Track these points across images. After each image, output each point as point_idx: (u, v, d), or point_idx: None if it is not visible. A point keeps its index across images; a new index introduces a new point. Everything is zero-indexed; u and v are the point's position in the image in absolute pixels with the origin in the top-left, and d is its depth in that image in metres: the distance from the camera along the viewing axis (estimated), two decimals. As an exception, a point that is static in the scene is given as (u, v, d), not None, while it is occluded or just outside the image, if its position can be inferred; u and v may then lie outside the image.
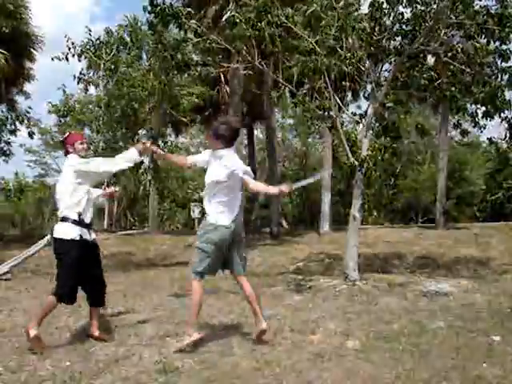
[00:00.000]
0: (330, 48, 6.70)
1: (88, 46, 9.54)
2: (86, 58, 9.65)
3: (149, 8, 6.89)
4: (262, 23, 6.45)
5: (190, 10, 7.10)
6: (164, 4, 6.84)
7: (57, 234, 4.17)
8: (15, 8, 15.21)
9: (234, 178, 4.01)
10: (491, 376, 3.33)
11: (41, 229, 22.82)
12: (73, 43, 9.48)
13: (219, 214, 4.01)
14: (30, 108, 13.30)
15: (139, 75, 9.49)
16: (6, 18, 14.92)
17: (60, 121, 10.05)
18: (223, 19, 6.69)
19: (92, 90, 10.58)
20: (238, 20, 6.46)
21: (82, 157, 4.33)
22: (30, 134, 12.16)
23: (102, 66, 9.53)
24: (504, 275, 7.41)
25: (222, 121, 4.20)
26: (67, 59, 9.46)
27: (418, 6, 6.78)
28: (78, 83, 9.96)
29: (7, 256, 10.04)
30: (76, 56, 9.52)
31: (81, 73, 9.90)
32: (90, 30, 9.63)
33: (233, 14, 6.52)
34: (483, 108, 7.28)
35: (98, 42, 9.62)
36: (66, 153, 4.33)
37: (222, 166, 3.99)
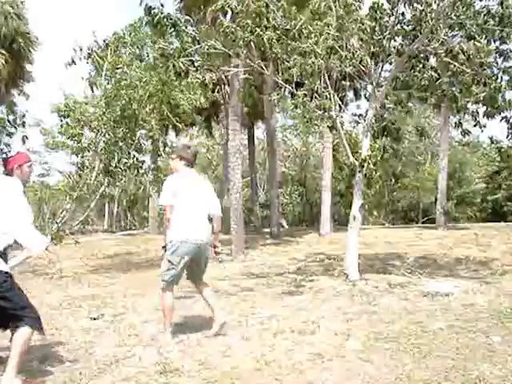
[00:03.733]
0: (330, 48, 6.69)
1: (94, 49, 9.61)
2: (93, 60, 9.72)
3: (146, 18, 6.92)
4: (259, 28, 6.45)
5: (188, 17, 7.11)
6: (162, 13, 6.81)
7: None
8: (14, 9, 15.26)
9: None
10: (492, 376, 3.32)
11: (41, 229, 22.80)
12: (79, 47, 9.59)
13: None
14: (26, 111, 13.36)
15: (137, 75, 9.46)
16: (5, 19, 14.98)
17: (61, 120, 10.03)
18: (220, 25, 6.67)
19: (96, 90, 10.66)
20: (232, 29, 6.48)
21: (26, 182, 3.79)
22: (23, 139, 12.23)
23: (105, 66, 9.53)
24: (504, 275, 7.39)
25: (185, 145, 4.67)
26: (74, 62, 9.58)
27: (419, 6, 6.77)
28: (90, 85, 10.07)
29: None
30: (83, 59, 9.63)
31: (90, 74, 9.98)
32: (94, 32, 9.73)
33: (227, 24, 6.53)
34: (484, 108, 7.28)
35: (104, 43, 9.69)
36: (7, 174, 3.68)
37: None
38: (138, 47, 9.96)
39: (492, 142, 8.29)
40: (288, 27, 6.61)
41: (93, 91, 10.41)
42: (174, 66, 6.99)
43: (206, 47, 6.98)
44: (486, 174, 29.72)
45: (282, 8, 6.62)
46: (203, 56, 7.23)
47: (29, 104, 22.83)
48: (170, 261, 4.28)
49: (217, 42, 6.92)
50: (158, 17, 6.73)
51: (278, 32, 6.61)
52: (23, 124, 13.12)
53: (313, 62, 6.42)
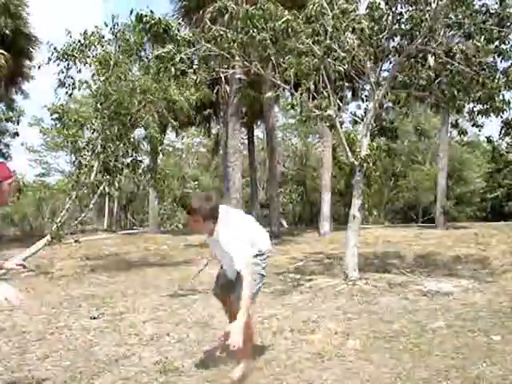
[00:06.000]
0: (327, 48, 6.69)
1: (71, 49, 9.31)
2: (66, 60, 9.38)
3: (140, 25, 6.94)
4: (253, 30, 6.45)
5: (180, 22, 7.11)
6: (153, 19, 6.80)
7: None
8: (16, 7, 15.24)
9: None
10: (491, 376, 3.33)
11: (41, 229, 22.82)
12: (55, 48, 9.27)
13: None
14: (23, 110, 13.30)
15: (125, 68, 9.33)
16: (6, 18, 14.98)
17: (56, 122, 9.91)
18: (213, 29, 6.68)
19: (81, 91, 10.36)
20: (221, 32, 6.51)
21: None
22: (16, 133, 12.12)
23: (93, 63, 9.35)
24: (504, 275, 7.40)
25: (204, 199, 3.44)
26: (48, 63, 9.31)
27: (416, 7, 6.78)
28: (59, 86, 9.67)
29: (7, 256, 10.05)
30: (58, 61, 9.30)
31: (65, 77, 9.59)
32: (69, 32, 9.39)
33: (216, 28, 6.54)
34: (480, 106, 7.32)
35: (79, 43, 9.37)
36: None
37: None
38: (137, 48, 9.82)
39: (489, 142, 8.33)
40: (282, 28, 6.60)
41: (71, 94, 10.05)
42: (167, 68, 6.97)
43: (202, 50, 6.97)
44: (486, 172, 29.73)
45: (277, 10, 6.60)
46: (200, 58, 7.23)
47: (28, 102, 22.82)
48: (263, 275, 3.63)
49: (212, 44, 6.91)
50: (149, 24, 6.72)
51: (272, 33, 6.60)
52: (17, 122, 13.10)
53: (308, 62, 6.42)
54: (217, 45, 6.81)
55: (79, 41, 9.37)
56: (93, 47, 9.39)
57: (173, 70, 6.91)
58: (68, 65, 9.41)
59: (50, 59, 9.31)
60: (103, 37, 9.52)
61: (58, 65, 9.36)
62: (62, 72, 9.47)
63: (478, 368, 3.46)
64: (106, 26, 9.58)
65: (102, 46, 9.44)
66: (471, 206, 29.53)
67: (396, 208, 31.17)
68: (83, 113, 10.41)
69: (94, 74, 9.53)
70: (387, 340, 4.17)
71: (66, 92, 9.74)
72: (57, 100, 9.86)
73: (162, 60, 6.95)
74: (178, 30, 7.01)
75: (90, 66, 9.43)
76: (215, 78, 14.35)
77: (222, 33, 6.56)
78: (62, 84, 9.56)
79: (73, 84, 9.60)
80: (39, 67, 9.48)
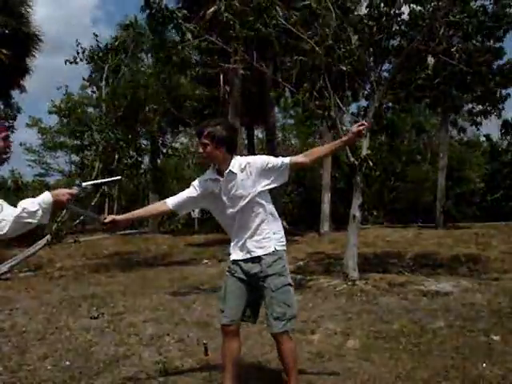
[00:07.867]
0: (329, 47, 6.69)
1: (96, 52, 9.81)
2: (94, 63, 9.95)
3: (146, 10, 6.95)
4: (258, 24, 6.46)
5: (185, 12, 7.08)
6: (159, 5, 6.83)
7: None
8: (18, 9, 15.27)
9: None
10: (491, 375, 3.33)
11: (41, 229, 22.82)
12: (82, 48, 9.90)
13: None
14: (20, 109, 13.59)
15: (141, 75, 9.63)
16: (7, 16, 14.98)
17: (62, 120, 10.25)
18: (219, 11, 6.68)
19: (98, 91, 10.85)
20: (229, 19, 6.49)
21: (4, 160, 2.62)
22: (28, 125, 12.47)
23: (106, 68, 9.77)
24: (504, 275, 7.39)
25: (224, 123, 2.89)
26: (76, 63, 9.76)
27: (415, 6, 6.79)
28: (89, 86, 10.34)
29: (7, 256, 10.05)
30: (84, 61, 9.90)
31: (90, 75, 10.19)
32: (96, 36, 9.92)
33: (221, 11, 6.53)
34: (480, 106, 7.35)
35: (105, 48, 9.90)
36: None
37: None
38: (140, 49, 10.13)
39: (488, 140, 8.43)
40: (288, 26, 6.61)
41: (94, 92, 10.64)
42: (170, 58, 6.98)
43: (206, 42, 6.97)
44: (486, 172, 29.70)
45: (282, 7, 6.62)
46: (202, 52, 7.26)
47: (25, 102, 22.74)
48: (293, 285, 2.99)
49: (216, 38, 6.92)
50: (154, 9, 6.73)
51: (277, 29, 6.60)
52: (14, 117, 13.44)
53: (314, 57, 6.43)
54: (222, 39, 6.84)
55: (106, 45, 9.84)
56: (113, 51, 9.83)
57: (174, 58, 6.93)
58: (96, 68, 9.94)
59: (75, 58, 9.71)
60: (125, 41, 9.96)
61: (87, 63, 9.99)
62: (92, 77, 10.01)
63: (478, 368, 3.46)
64: (130, 26, 9.99)
65: (123, 52, 9.85)
66: (471, 205, 29.48)
67: (396, 208, 31.10)
68: (84, 112, 10.59)
69: (107, 77, 9.88)
70: (387, 340, 4.16)
71: (91, 91, 10.40)
72: (60, 100, 10.26)
73: (164, 48, 6.98)
74: (183, 20, 7.00)
75: (104, 70, 9.83)
76: (216, 77, 14.36)
77: (232, 21, 6.54)
78: (90, 83, 10.17)
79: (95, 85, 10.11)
80: (66, 62, 9.84)
